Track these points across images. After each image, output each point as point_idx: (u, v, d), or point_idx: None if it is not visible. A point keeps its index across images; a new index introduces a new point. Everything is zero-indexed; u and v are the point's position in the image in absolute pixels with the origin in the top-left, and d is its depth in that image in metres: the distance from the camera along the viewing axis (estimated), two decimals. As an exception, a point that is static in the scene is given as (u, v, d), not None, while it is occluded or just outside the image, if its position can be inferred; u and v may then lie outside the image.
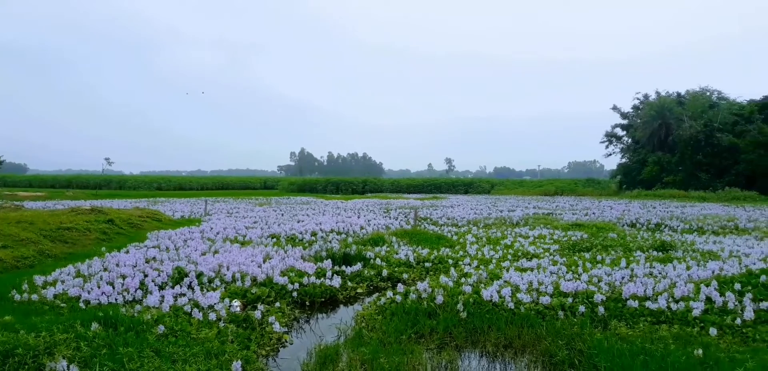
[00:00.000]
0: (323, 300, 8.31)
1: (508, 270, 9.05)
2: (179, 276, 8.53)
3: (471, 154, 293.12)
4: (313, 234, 14.52)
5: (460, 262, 10.54)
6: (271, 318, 6.63)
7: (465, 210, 24.47)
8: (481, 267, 9.79)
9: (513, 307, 6.85)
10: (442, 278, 8.34)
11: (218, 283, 8.30)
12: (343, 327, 6.68)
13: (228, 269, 8.90)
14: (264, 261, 9.79)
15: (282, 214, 21.46)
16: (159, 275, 8.34)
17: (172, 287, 7.82)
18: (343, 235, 14.47)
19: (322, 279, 8.74)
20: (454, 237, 14.39)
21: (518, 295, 7.19)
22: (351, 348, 5.65)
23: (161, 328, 5.71)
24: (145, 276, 8.32)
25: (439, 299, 7.04)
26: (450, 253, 11.59)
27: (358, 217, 18.99)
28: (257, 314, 6.69)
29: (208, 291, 7.80)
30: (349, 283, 9.00)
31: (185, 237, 13.17)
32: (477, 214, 22.24)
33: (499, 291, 7.30)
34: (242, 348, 5.69)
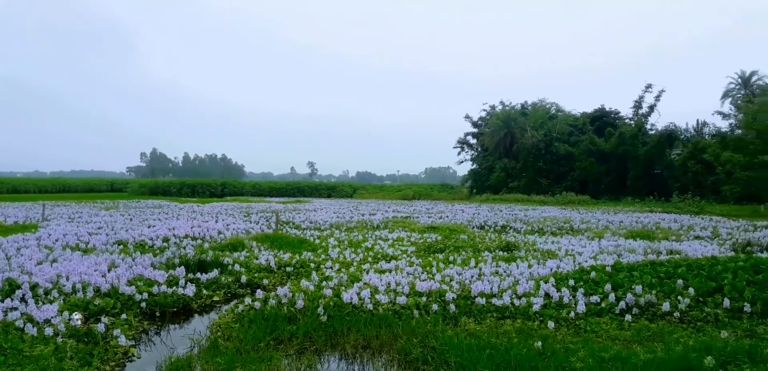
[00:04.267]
0: (176, 310, 7.88)
1: (368, 273, 9.21)
2: (10, 288, 7.64)
3: (334, 158, 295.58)
4: (166, 240, 13.73)
5: (322, 266, 10.56)
6: (117, 331, 6.17)
7: (328, 214, 24.56)
8: (343, 270, 9.88)
9: (372, 308, 6.99)
10: (304, 282, 8.29)
11: (56, 295, 7.56)
12: (198, 337, 6.39)
13: (68, 279, 8.14)
14: (109, 270, 9.07)
15: (131, 219, 20.04)
16: (-17, 288, 7.41)
17: (2, 301, 6.97)
18: (199, 241, 13.84)
19: (174, 287, 8.29)
20: (317, 241, 14.39)
21: (377, 296, 7.36)
22: (205, 360, 5.43)
23: (-15, 348, 5.08)
24: (-34, 290, 7.35)
25: (300, 303, 6.99)
26: (312, 257, 11.57)
27: (216, 222, 18.29)
28: (101, 327, 6.18)
29: (44, 303, 7.06)
30: (205, 291, 8.63)
31: (18, 245, 11.83)
32: (339, 218, 22.42)
33: (359, 293, 7.42)
34: (83, 365, 5.24)
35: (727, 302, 6.97)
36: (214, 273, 9.36)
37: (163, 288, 8.16)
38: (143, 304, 7.61)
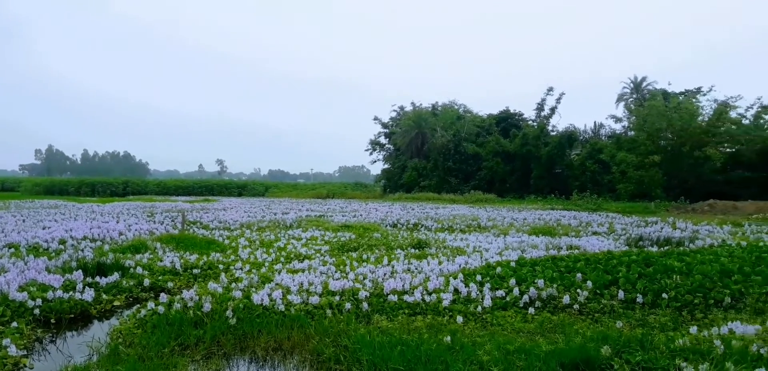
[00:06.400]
0: (73, 316, 7.40)
1: (280, 273, 9.07)
2: None
3: (245, 156, 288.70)
4: (62, 242, 12.87)
5: (232, 267, 10.29)
6: (6, 341, 5.69)
7: (238, 213, 23.96)
8: (254, 270, 9.66)
9: (284, 309, 6.88)
10: (211, 284, 8.04)
11: (-68, 305, 6.89)
12: (97, 344, 6.02)
13: (-54, 287, 7.45)
14: (-3, 276, 8.39)
15: (23, 220, 18.62)
16: None
17: None
18: (99, 243, 13.09)
19: (71, 292, 7.78)
20: (226, 241, 13.99)
21: (289, 297, 7.26)
22: (104, 368, 5.13)
23: None
24: None
25: (207, 307, 6.76)
26: (221, 258, 11.24)
27: (118, 222, 17.37)
28: (-14, 337, 5.70)
29: None
30: (105, 296, 8.15)
31: None
32: (251, 217, 21.94)
33: (270, 295, 7.28)
34: (-37, 381, 4.80)
35: (621, 294, 7.46)
36: (115, 276, 8.87)
37: (59, 293, 7.64)
38: (37, 311, 7.08)
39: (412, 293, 7.63)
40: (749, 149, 39.18)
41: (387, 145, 66.58)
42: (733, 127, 41.17)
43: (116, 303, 8.12)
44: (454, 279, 8.22)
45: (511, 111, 59.33)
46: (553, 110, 53.28)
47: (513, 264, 9.18)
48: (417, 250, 12.34)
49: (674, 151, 40.93)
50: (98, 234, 14.12)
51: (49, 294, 7.52)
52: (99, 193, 60.99)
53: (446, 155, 55.80)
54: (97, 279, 8.67)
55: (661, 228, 16.88)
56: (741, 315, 6.72)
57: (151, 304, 7.11)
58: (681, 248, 11.30)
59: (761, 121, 41.33)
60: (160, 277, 9.44)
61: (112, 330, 6.61)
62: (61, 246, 12.30)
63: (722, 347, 5.04)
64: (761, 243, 11.65)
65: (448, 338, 5.66)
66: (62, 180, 74.10)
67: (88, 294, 7.74)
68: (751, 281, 7.64)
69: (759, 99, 41.62)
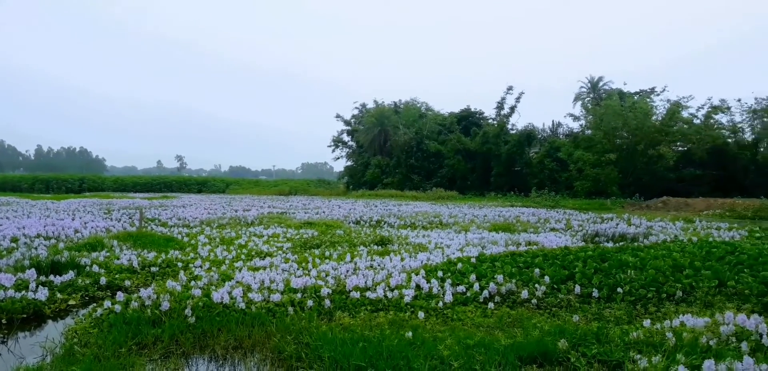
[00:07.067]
0: (26, 316, 7.16)
1: (241, 271, 8.98)
2: None
3: (205, 152, 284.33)
4: (14, 240, 12.44)
5: (191, 265, 10.13)
6: (-48, 344, 5.51)
7: (198, 210, 23.57)
8: (214, 268, 9.54)
9: (244, 307, 6.82)
10: (170, 283, 7.89)
11: None
12: (51, 345, 5.85)
13: None
14: (-58, 276, 8.06)
15: (-30, 218, 17.94)
16: None
17: None
18: (54, 240, 12.70)
19: (23, 292, 7.54)
20: (186, 239, 13.75)
21: (250, 295, 7.19)
22: (58, 368, 5.00)
23: None
24: None
25: (166, 305, 6.64)
26: (180, 256, 11.05)
27: (73, 219, 16.88)
28: (-70, 340, 5.48)
29: None
30: (59, 295, 7.92)
31: None
32: (211, 214, 21.61)
33: (230, 292, 7.20)
34: None
35: (578, 288, 7.63)
36: (70, 275, 8.63)
37: (11, 292, 7.40)
38: (-14, 312, 6.85)
39: (375, 289, 7.65)
40: (700, 148, 40.62)
41: (350, 143, 66.56)
42: (684, 126, 42.64)
43: (71, 302, 7.91)
44: (416, 275, 8.28)
45: (472, 110, 60.04)
46: (512, 109, 54.13)
47: (473, 260, 9.30)
48: (380, 247, 12.37)
49: (629, 150, 42.08)
50: (53, 232, 13.71)
51: (0, 294, 7.28)
52: (54, 190, 59.15)
53: (409, 153, 56.13)
54: (52, 277, 8.43)
55: (617, 224, 17.34)
56: (692, 308, 6.96)
57: (107, 303, 6.94)
58: (635, 244, 11.62)
59: (711, 121, 42.92)
60: (117, 275, 9.23)
61: (67, 329, 6.44)
62: (13, 245, 11.89)
63: (674, 339, 5.23)
64: (711, 239, 12.11)
65: (410, 333, 5.71)
66: (15, 176, 71.69)
67: (42, 294, 7.52)
68: (702, 275, 7.92)
69: (709, 99, 43.34)
